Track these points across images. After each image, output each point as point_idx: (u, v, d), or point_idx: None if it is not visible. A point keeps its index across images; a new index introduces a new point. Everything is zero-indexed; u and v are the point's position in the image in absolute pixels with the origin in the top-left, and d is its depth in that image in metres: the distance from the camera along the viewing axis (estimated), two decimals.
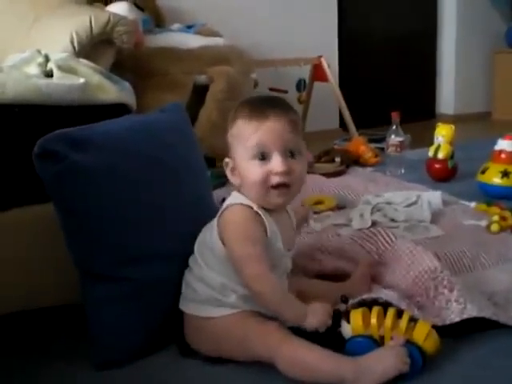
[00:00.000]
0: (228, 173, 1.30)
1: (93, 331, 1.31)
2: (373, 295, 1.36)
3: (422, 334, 1.20)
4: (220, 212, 1.28)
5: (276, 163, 1.21)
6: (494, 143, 2.58)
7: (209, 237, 1.29)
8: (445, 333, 1.29)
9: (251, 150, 1.22)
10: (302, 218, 1.55)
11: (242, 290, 1.25)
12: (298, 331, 1.23)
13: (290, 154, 1.23)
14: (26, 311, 1.46)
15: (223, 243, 1.25)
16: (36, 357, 1.36)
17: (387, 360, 1.14)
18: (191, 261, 1.34)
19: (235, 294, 1.26)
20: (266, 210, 1.26)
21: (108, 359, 1.29)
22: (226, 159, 1.30)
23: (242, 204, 1.25)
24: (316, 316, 1.19)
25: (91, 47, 2.27)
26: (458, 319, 1.33)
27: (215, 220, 1.28)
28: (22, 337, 1.46)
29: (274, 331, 1.21)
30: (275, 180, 1.22)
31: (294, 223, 1.39)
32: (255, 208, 1.24)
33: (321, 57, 3.78)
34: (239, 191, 1.29)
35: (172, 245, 1.36)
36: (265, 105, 1.24)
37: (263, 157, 1.22)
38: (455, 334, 1.33)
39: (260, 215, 1.24)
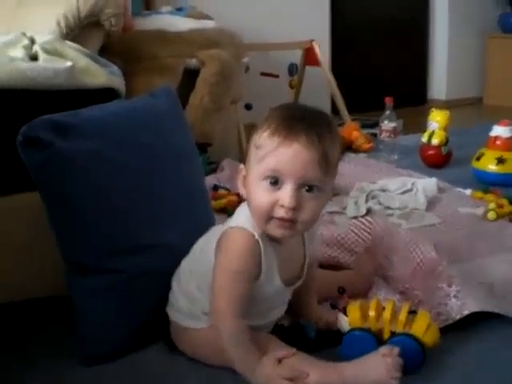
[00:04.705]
0: (239, 181, 1.16)
1: (80, 325, 1.26)
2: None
3: (422, 327, 1.16)
4: (221, 233, 1.15)
5: (285, 195, 1.05)
6: (488, 129, 2.55)
7: (206, 255, 1.18)
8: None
9: (264, 172, 1.07)
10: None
11: None
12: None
13: (307, 187, 1.06)
14: (13, 303, 1.42)
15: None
16: (21, 352, 1.31)
17: (376, 372, 1.08)
18: (181, 272, 1.27)
19: None
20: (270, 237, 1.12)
21: (95, 354, 1.25)
22: (241, 165, 1.16)
23: (244, 230, 1.11)
24: (265, 373, 1.10)
25: (79, 30, 2.21)
26: (458, 317, 1.30)
27: (214, 239, 1.16)
28: (6, 330, 1.41)
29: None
30: (279, 213, 1.06)
31: (307, 250, 1.24)
32: (257, 236, 1.10)
33: (312, 41, 3.72)
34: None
35: (162, 235, 1.31)
36: (300, 121, 1.06)
37: (275, 182, 1.06)
38: (456, 325, 1.29)
39: (259, 247, 1.11)
